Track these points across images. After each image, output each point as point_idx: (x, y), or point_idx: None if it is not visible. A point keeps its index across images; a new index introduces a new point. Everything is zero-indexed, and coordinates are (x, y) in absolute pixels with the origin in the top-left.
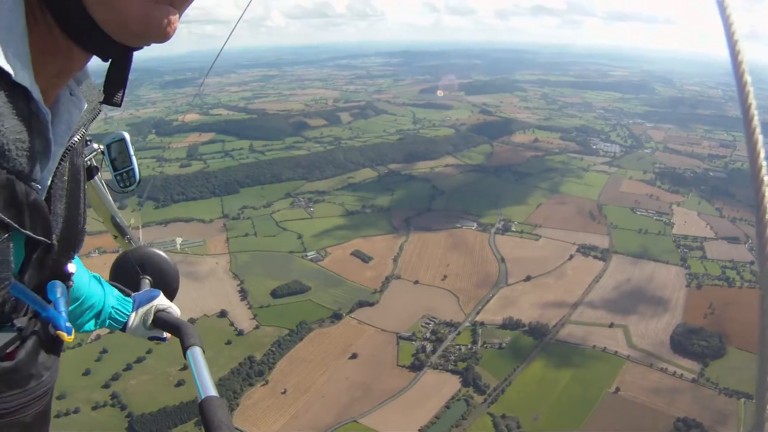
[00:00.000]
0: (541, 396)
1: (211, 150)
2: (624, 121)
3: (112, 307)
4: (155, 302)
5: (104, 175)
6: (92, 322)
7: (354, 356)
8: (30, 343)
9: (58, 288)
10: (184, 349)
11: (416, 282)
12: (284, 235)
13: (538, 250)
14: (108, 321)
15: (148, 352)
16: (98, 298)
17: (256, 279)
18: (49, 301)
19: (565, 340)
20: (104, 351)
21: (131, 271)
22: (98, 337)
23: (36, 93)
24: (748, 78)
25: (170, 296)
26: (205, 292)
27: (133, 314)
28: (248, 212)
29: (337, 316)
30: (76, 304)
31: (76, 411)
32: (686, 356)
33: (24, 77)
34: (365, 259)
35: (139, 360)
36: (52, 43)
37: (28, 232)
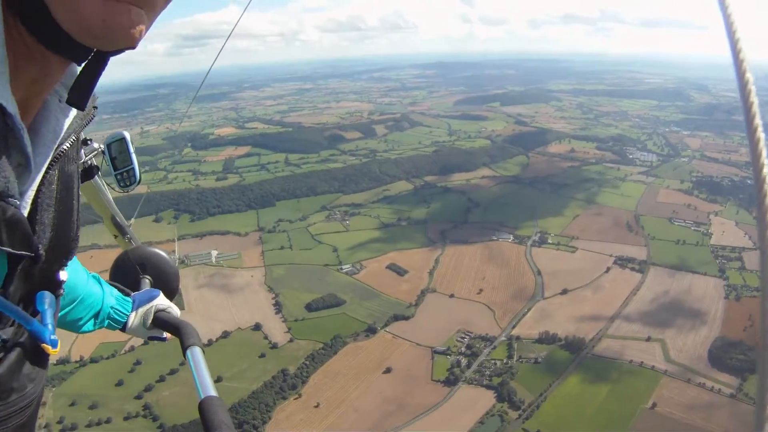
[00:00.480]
0: (576, 412)
1: (246, 163)
2: (660, 130)
3: (111, 307)
4: (155, 302)
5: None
6: (91, 322)
7: (388, 370)
8: (13, 355)
9: (46, 299)
10: (184, 349)
11: (452, 295)
12: (320, 248)
13: (574, 263)
14: (107, 321)
15: (182, 364)
16: (97, 298)
17: (291, 292)
18: (37, 312)
19: (602, 355)
20: (138, 362)
21: (131, 271)
22: (132, 348)
23: (11, 107)
24: (749, 76)
25: (170, 296)
26: (240, 304)
27: (133, 314)
28: (284, 225)
29: (371, 330)
30: (74, 304)
31: (108, 421)
32: (724, 370)
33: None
34: (401, 272)
35: (173, 372)
36: (25, 48)
37: (6, 249)
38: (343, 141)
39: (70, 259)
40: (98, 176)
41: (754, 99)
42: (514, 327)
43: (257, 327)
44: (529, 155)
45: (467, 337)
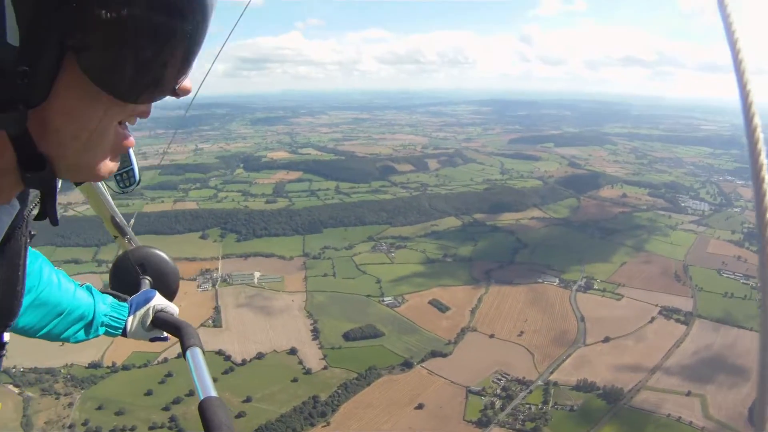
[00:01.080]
0: None
1: (297, 188)
2: (714, 178)
3: (105, 315)
4: (152, 303)
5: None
6: (82, 332)
7: (420, 406)
8: None
9: None
10: (184, 349)
11: (492, 336)
12: (363, 278)
13: (619, 310)
14: (103, 329)
15: (214, 380)
16: (87, 309)
17: (330, 320)
18: None
19: (639, 407)
20: (169, 374)
21: (131, 272)
22: (165, 359)
23: None
24: (748, 77)
25: (170, 296)
26: (278, 327)
27: (131, 318)
28: (329, 252)
29: (407, 364)
30: (60, 317)
31: (132, 429)
32: None
33: None
34: (442, 308)
35: None
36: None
37: None
38: (395, 173)
39: (13, 320)
40: None
41: (753, 99)
42: (552, 372)
43: (293, 351)
44: (580, 198)
45: (504, 378)
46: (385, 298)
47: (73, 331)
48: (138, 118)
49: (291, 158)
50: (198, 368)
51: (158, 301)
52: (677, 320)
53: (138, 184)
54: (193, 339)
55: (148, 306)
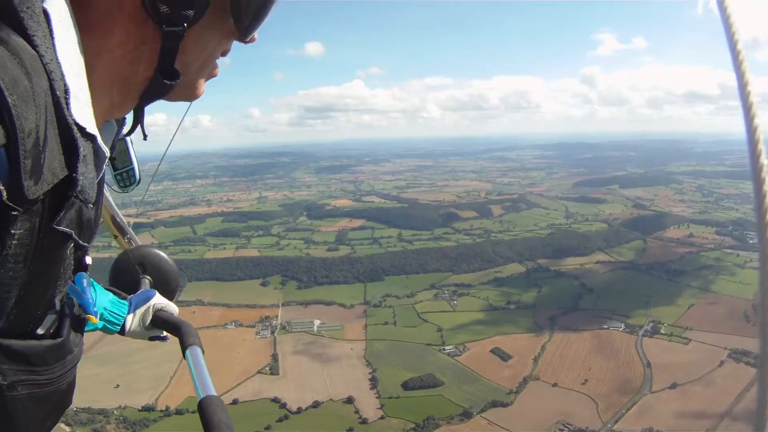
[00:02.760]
0: None
1: (359, 236)
2: None
3: (105, 309)
4: (152, 302)
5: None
6: None
7: None
8: (67, 323)
9: (84, 279)
10: (184, 348)
11: (555, 384)
12: (424, 326)
13: (686, 355)
14: (102, 323)
15: (267, 428)
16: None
17: (389, 369)
18: (78, 290)
19: None
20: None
21: (131, 271)
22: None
23: (99, 139)
24: (749, 78)
25: (170, 296)
26: (335, 376)
27: (131, 316)
28: (390, 300)
29: (467, 414)
30: None
31: None
32: None
33: (94, 127)
34: (504, 357)
35: None
36: (124, 95)
37: (82, 242)
38: (458, 219)
39: (92, 243)
40: None
41: (754, 99)
42: (617, 422)
43: (350, 400)
44: (646, 240)
45: (566, 428)
46: (446, 347)
47: None
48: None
49: (354, 206)
50: (198, 367)
51: (158, 300)
52: (747, 363)
53: (138, 183)
54: (193, 338)
55: (148, 305)
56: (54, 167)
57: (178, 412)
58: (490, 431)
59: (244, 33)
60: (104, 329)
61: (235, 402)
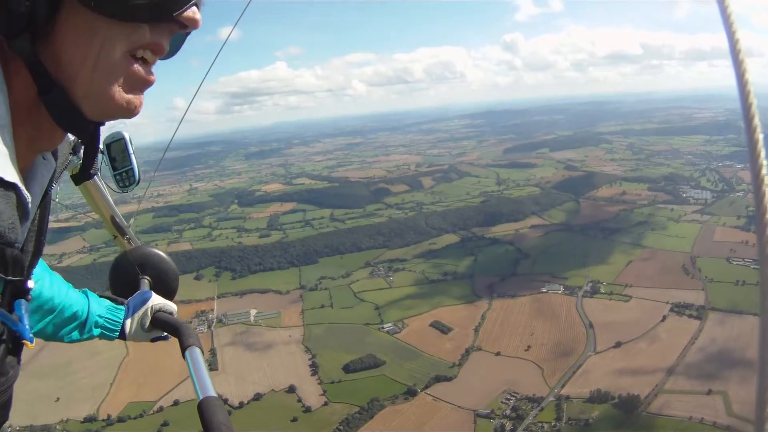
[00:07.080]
0: None
1: (291, 220)
2: (713, 165)
3: (100, 316)
4: (150, 303)
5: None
6: (76, 332)
7: None
8: (2, 348)
9: (23, 305)
10: (183, 349)
11: (498, 353)
12: (361, 306)
13: (628, 313)
14: (98, 330)
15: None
16: (80, 308)
17: (329, 353)
18: (17, 316)
19: (659, 413)
20: (165, 423)
21: (130, 271)
22: (161, 408)
23: (22, 187)
24: (749, 77)
25: (170, 295)
26: (275, 365)
27: (129, 320)
28: (326, 282)
29: (411, 392)
30: (52, 315)
31: None
32: None
33: (13, 175)
34: (444, 330)
35: None
36: (36, 125)
37: (10, 278)
38: (390, 194)
39: (33, 270)
40: (97, 177)
41: (753, 99)
42: (563, 386)
43: (291, 389)
44: (579, 201)
45: (513, 398)
46: (385, 325)
47: (66, 331)
48: (157, 58)
49: (285, 189)
50: (197, 368)
51: (156, 301)
52: (690, 315)
53: (138, 183)
54: (192, 339)
55: (145, 307)
56: None
57: (120, 420)
58: (436, 408)
59: (121, 18)
60: (102, 336)
61: (176, 403)
